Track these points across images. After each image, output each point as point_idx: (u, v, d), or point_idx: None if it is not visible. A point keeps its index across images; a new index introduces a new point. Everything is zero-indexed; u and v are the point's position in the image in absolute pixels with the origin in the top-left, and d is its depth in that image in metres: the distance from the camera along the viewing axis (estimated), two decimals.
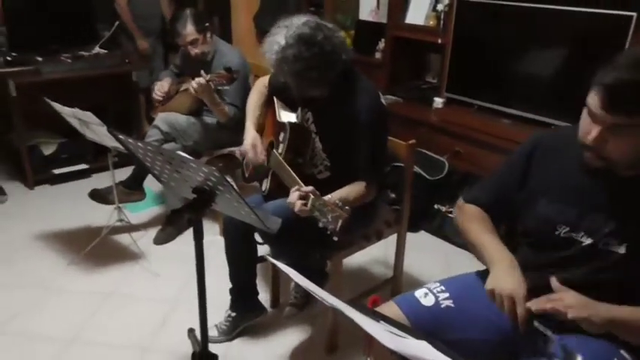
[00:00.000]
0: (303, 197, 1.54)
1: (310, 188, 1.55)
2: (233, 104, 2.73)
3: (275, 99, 2.10)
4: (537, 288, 1.17)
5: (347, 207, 1.47)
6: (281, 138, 1.95)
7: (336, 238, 1.47)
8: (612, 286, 1.15)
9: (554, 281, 1.14)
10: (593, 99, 1.09)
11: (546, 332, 1.17)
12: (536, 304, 1.12)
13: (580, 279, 1.19)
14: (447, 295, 1.39)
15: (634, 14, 2.30)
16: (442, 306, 1.36)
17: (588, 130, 1.12)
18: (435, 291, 1.40)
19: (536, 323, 1.19)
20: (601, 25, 2.47)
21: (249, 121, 2.10)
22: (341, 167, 1.90)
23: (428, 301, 1.37)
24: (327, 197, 1.54)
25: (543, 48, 2.79)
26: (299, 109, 2.01)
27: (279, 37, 1.71)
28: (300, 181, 1.69)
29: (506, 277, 1.21)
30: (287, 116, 2.04)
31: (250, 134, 2.05)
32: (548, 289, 1.16)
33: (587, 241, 1.20)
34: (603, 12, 2.41)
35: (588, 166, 1.18)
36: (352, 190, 1.78)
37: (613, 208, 1.18)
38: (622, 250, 1.16)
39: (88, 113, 2.21)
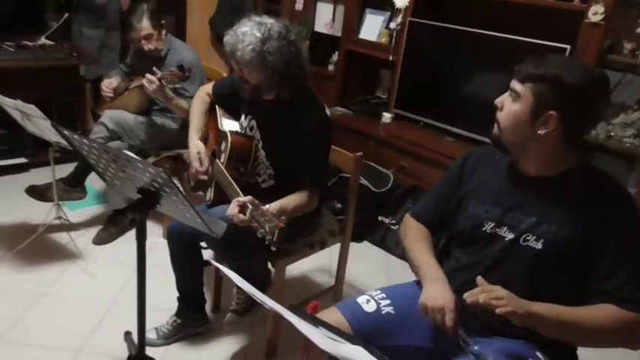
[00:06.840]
0: (242, 207, 1.55)
1: (249, 198, 1.56)
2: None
3: (217, 107, 2.07)
4: (470, 287, 1.25)
5: (283, 217, 1.49)
6: (222, 147, 1.93)
7: (274, 249, 1.49)
8: (527, 282, 1.28)
9: (479, 279, 1.25)
10: None
11: (466, 338, 1.27)
12: (471, 297, 1.20)
13: (502, 276, 1.30)
14: (388, 302, 1.45)
15: (568, 46, 2.51)
16: (383, 312, 1.42)
17: None
18: (376, 298, 1.46)
19: (460, 331, 1.28)
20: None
21: (192, 130, 2.04)
22: (285, 176, 1.91)
23: (370, 307, 1.43)
24: (266, 207, 1.55)
25: (487, 72, 2.94)
26: (242, 117, 2.00)
27: (253, 30, 1.70)
28: (239, 191, 1.69)
29: (437, 293, 1.32)
30: (229, 125, 2.02)
31: (194, 143, 1.99)
32: None
33: (510, 236, 1.33)
34: (543, 42, 2.59)
35: (493, 140, 1.35)
36: (293, 199, 1.79)
37: (530, 207, 1.31)
38: (539, 245, 1.28)
39: (32, 106, 2.14)
